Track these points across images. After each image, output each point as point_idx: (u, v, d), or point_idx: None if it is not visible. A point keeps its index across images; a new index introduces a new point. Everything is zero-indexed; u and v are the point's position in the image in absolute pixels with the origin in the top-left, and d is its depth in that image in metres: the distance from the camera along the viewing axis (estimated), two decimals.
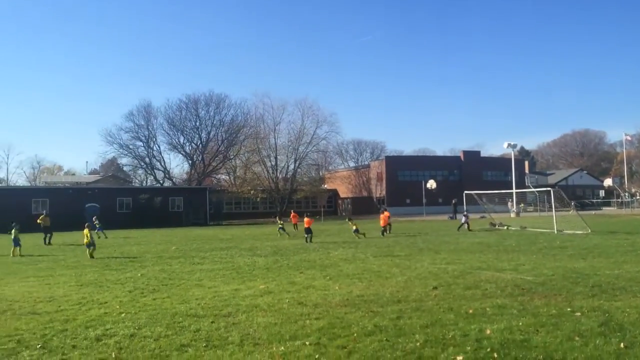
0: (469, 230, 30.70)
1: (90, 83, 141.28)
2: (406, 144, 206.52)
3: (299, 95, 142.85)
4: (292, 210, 45.01)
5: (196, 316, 8.95)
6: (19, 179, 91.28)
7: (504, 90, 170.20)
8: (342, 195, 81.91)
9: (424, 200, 59.61)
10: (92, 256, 20.00)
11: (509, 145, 54.02)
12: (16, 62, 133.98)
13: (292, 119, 71.69)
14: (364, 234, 27.18)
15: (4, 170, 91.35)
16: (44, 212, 31.46)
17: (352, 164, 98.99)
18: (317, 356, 6.52)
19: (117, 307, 9.98)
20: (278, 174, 70.09)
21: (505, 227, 32.55)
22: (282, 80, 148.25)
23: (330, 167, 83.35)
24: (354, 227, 27.83)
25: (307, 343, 7.12)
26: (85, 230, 21.02)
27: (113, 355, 6.75)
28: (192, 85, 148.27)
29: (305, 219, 26.44)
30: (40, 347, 7.21)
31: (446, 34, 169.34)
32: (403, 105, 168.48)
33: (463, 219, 32.55)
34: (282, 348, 6.91)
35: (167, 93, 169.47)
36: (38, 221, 29.43)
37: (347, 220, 31.32)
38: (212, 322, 8.44)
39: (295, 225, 38.02)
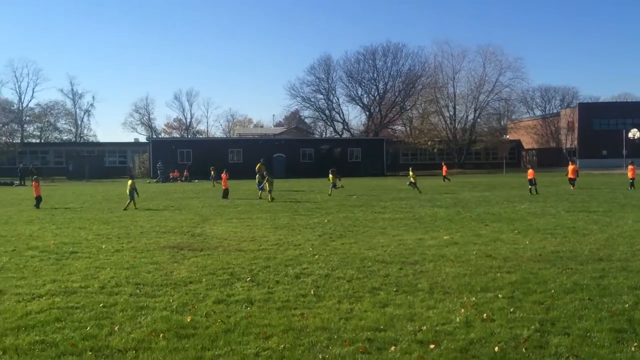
0: None
1: (276, 41, 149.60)
2: (603, 90, 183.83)
3: (481, 41, 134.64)
4: (443, 163, 44.18)
5: (384, 262, 9.25)
6: (216, 131, 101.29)
7: None
8: (526, 146, 76.81)
9: (625, 152, 53.26)
10: (272, 199, 22.86)
11: None
12: (215, 31, 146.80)
13: (472, 66, 68.63)
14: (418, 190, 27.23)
15: (204, 123, 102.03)
16: (261, 160, 34.57)
17: (538, 113, 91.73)
18: (511, 309, 6.34)
19: (310, 249, 10.73)
20: (456, 124, 68.14)
21: None
22: (463, 25, 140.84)
23: (513, 117, 78.48)
24: (412, 180, 28.12)
25: (499, 296, 6.94)
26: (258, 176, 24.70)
27: (312, 292, 7.30)
28: (369, 37, 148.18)
29: (529, 170, 25.41)
30: (249, 280, 8.09)
31: None
32: (599, 46, 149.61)
33: None
34: (474, 299, 6.84)
35: (346, 46, 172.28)
36: (256, 169, 32.62)
37: (409, 170, 30.19)
38: (400, 269, 8.66)
39: (445, 177, 38.15)
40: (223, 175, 26.51)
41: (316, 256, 9.89)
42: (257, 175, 26.92)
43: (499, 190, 27.16)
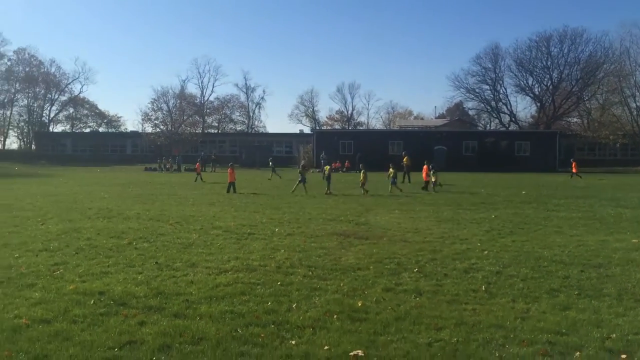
0: None
1: (439, 30, 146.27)
2: None
3: None
4: (572, 159, 39.82)
5: (562, 263, 8.61)
6: (376, 123, 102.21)
7: None
8: None
9: None
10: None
11: None
12: (377, 24, 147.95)
13: None
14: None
15: (365, 115, 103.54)
16: (403, 152, 34.58)
17: None
18: None
19: (478, 244, 10.36)
20: None
21: None
22: None
23: None
24: (433, 179, 24.38)
25: None
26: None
27: (483, 288, 7.05)
28: (543, 22, 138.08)
29: None
30: (416, 271, 8.06)
31: None
32: None
33: None
34: None
35: (516, 33, 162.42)
36: (404, 162, 32.58)
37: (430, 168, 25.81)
38: (581, 271, 7.99)
39: (574, 174, 36.58)
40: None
41: (485, 252, 9.53)
42: (391, 170, 24.58)
43: None
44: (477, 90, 75.33)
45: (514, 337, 5.26)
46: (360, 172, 23.75)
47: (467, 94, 76.70)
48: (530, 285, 7.23)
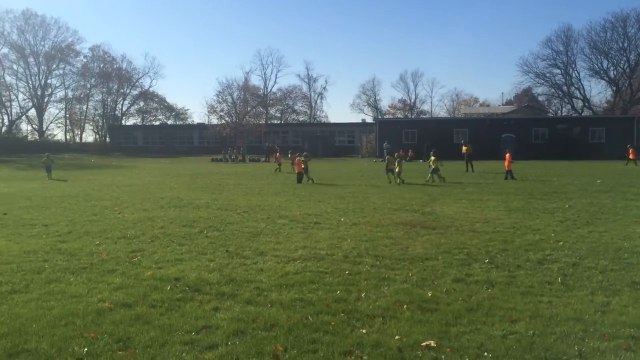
0: None
1: (506, 13, 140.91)
2: None
3: None
4: (629, 146, 37.20)
5: None
6: (440, 111, 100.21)
7: None
8: None
9: None
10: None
11: None
12: (441, 9, 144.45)
13: None
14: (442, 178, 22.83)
15: (428, 103, 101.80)
16: (462, 141, 33.94)
17: None
18: None
19: (552, 235, 9.97)
20: None
21: None
22: None
23: None
24: (432, 165, 22.97)
25: None
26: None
27: (559, 280, 6.80)
28: (619, 2, 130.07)
29: None
30: (487, 261, 7.86)
31: None
32: None
33: None
34: None
35: (589, 14, 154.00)
36: (463, 150, 31.85)
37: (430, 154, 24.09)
38: None
39: (631, 160, 35.09)
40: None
41: (560, 243, 9.16)
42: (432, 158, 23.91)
43: None
44: (547, 74, 72.44)
45: (594, 331, 5.04)
46: (404, 161, 23.67)
47: (537, 79, 73.90)
48: (610, 277, 6.91)
